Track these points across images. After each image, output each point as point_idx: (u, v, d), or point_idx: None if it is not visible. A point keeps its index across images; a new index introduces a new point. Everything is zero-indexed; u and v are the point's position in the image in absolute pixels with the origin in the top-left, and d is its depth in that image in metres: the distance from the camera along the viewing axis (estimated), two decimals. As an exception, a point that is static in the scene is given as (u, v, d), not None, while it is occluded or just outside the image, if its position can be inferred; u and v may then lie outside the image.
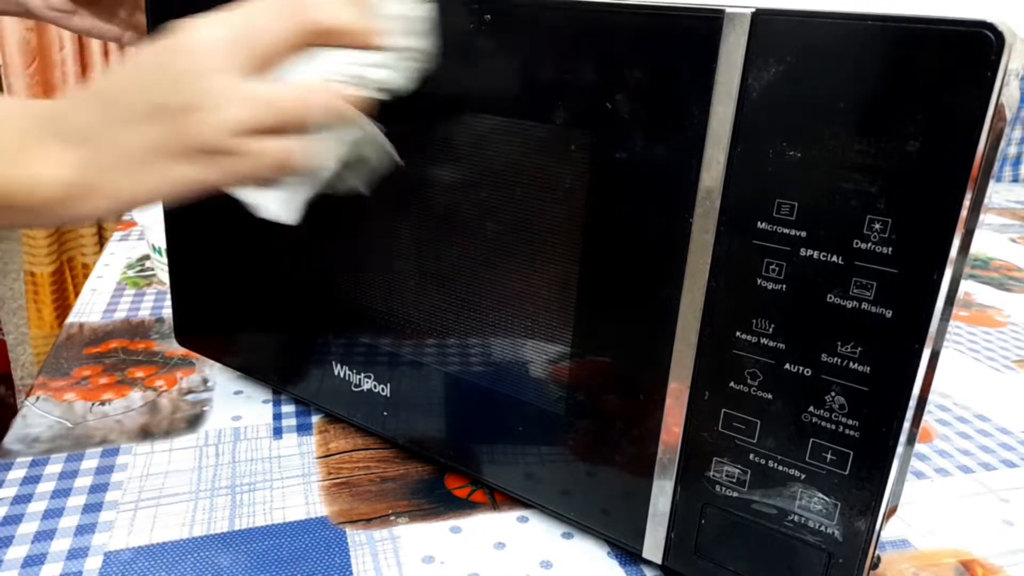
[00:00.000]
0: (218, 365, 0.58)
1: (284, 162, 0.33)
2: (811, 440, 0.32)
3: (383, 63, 0.35)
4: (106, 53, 1.96)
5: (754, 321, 0.32)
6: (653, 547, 0.38)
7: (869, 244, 0.29)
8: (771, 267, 0.31)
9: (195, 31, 0.32)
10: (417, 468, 0.47)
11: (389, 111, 0.41)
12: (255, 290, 0.51)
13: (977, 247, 0.38)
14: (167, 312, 0.68)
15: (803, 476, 0.33)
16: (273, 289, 0.50)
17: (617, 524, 0.39)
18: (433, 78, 0.38)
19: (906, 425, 0.30)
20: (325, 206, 0.47)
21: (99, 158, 0.32)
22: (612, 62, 0.33)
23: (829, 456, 0.32)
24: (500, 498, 0.45)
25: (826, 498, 0.32)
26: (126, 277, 0.76)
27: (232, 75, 0.31)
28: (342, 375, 0.48)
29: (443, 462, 0.46)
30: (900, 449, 0.31)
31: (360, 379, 0.47)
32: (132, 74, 0.33)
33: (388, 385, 0.46)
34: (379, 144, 0.36)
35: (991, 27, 0.25)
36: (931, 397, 0.32)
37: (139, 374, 0.57)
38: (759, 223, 0.31)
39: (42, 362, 0.59)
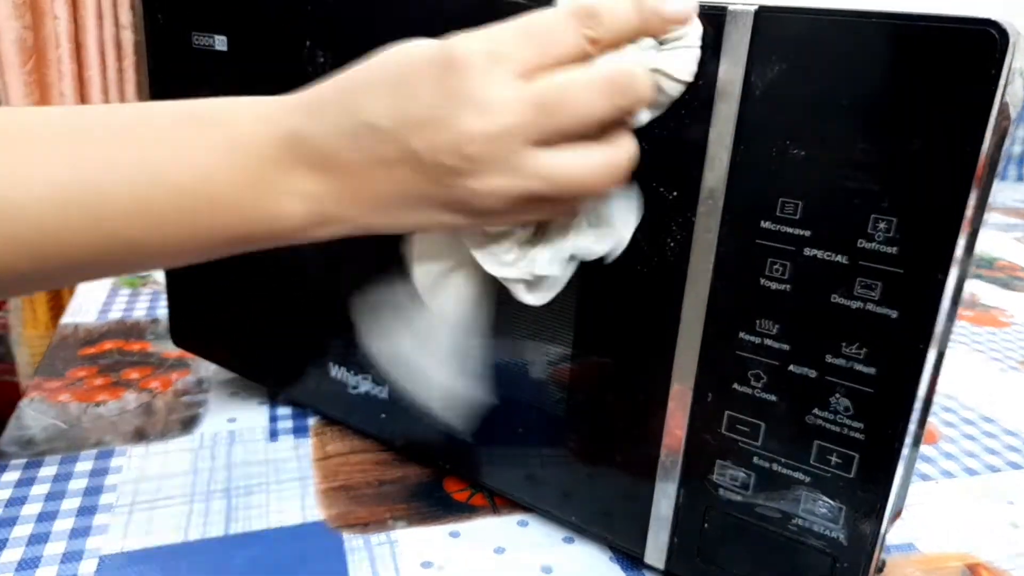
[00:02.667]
0: (214, 366, 0.57)
1: (588, 181, 0.29)
2: (815, 442, 0.32)
3: (671, 54, 0.30)
4: (102, 53, 1.96)
5: (758, 322, 0.32)
6: (655, 551, 0.38)
7: (874, 244, 0.28)
8: (775, 267, 0.31)
9: (487, 77, 0.27)
10: (415, 471, 0.47)
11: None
12: (251, 290, 0.50)
13: (982, 247, 0.38)
14: (162, 312, 0.67)
15: (807, 479, 0.32)
16: (270, 289, 0.50)
17: (619, 528, 0.39)
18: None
19: (911, 427, 0.30)
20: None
21: (348, 193, 0.28)
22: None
23: (834, 459, 0.31)
24: (500, 502, 0.45)
25: (831, 501, 0.32)
26: (121, 277, 0.75)
27: (524, 147, 0.27)
28: (339, 376, 0.48)
29: (442, 465, 0.46)
30: (905, 451, 0.30)
31: (357, 380, 0.47)
32: (391, 104, 0.27)
33: (386, 387, 0.46)
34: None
35: (995, 25, 0.25)
36: (936, 398, 0.32)
37: (134, 375, 0.56)
38: (763, 222, 0.31)
39: (37, 363, 0.58)
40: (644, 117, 0.31)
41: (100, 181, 0.28)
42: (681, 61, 0.30)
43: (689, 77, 0.30)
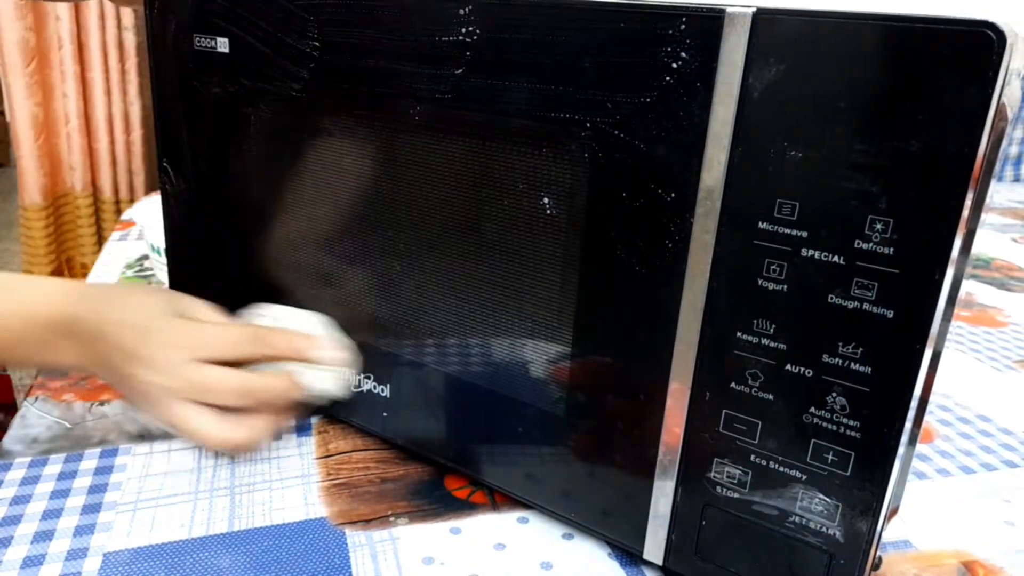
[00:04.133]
0: (217, 365, 0.57)
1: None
2: (812, 441, 0.32)
3: (316, 375, 0.46)
4: (105, 54, 1.96)
5: (755, 321, 0.32)
6: (654, 548, 0.38)
7: (870, 244, 0.29)
8: (772, 267, 0.31)
9: (149, 354, 0.44)
10: (417, 469, 0.47)
11: (392, 113, 0.41)
12: (254, 290, 0.51)
13: (978, 247, 0.38)
14: (166, 312, 0.67)
15: (804, 477, 0.32)
16: (272, 290, 0.50)
17: (618, 525, 0.39)
18: (434, 79, 0.38)
19: (907, 426, 0.30)
20: (325, 206, 0.47)
21: (91, 359, 0.45)
22: (613, 61, 0.33)
23: (830, 457, 0.32)
24: (500, 499, 0.45)
25: (827, 499, 0.32)
26: (125, 277, 0.76)
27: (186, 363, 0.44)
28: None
29: (443, 463, 0.46)
30: (901, 450, 0.31)
31: (359, 380, 0.47)
32: (109, 338, 0.44)
33: (388, 386, 0.46)
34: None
35: (992, 26, 0.25)
36: (932, 397, 0.32)
37: (138, 374, 0.57)
38: (760, 223, 0.31)
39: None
40: (309, 395, 0.46)
41: None
42: (322, 381, 0.46)
43: (327, 392, 0.47)
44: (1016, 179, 1.57)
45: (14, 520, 0.41)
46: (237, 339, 0.46)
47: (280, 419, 0.46)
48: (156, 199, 0.59)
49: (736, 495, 0.34)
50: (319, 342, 0.46)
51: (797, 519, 0.33)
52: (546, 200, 0.36)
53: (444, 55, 0.37)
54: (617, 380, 0.37)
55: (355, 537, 0.41)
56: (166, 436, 0.49)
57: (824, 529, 0.33)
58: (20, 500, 0.43)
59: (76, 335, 0.44)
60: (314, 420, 0.52)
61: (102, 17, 1.93)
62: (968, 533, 0.44)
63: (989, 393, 0.61)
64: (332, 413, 0.51)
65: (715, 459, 0.35)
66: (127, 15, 1.97)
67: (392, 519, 0.43)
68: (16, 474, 0.45)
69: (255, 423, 0.44)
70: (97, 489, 0.44)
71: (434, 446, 0.46)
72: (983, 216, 0.29)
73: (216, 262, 0.52)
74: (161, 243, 0.65)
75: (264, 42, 0.44)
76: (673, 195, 0.33)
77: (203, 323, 0.47)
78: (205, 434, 0.43)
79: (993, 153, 0.28)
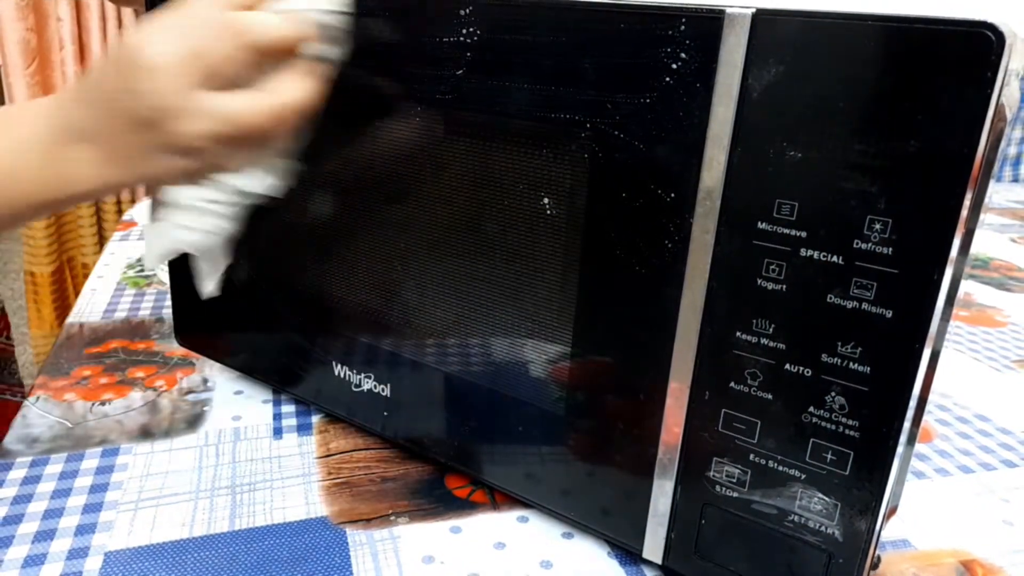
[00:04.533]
0: (218, 365, 0.58)
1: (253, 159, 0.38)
2: (811, 440, 0.32)
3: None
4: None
5: (754, 321, 0.32)
6: (653, 547, 0.38)
7: (869, 244, 0.29)
8: (771, 267, 0.31)
9: (149, 46, 0.34)
10: (417, 468, 0.47)
11: (392, 113, 0.41)
12: (255, 290, 0.51)
13: (977, 247, 0.38)
14: (167, 312, 0.68)
15: (803, 476, 0.33)
16: (273, 289, 0.50)
17: (617, 524, 0.39)
18: (435, 80, 0.38)
19: (906, 425, 0.30)
20: (326, 206, 0.47)
21: (108, 155, 0.36)
22: (613, 62, 0.33)
23: (829, 456, 0.32)
24: (500, 498, 0.45)
25: (826, 498, 0.32)
26: (126, 277, 0.76)
27: (191, 91, 0.34)
28: (342, 375, 0.48)
29: (443, 462, 0.46)
30: (900, 449, 0.31)
31: (360, 379, 0.47)
32: (109, 84, 0.35)
33: (388, 385, 0.46)
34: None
35: (991, 27, 0.25)
36: (931, 397, 0.32)
37: (139, 374, 0.57)
38: (759, 223, 0.31)
39: (42, 362, 0.58)
40: (327, 52, 0.37)
41: None
42: None
43: (339, 5, 0.37)
44: (1015, 179, 1.57)
45: (15, 519, 0.41)
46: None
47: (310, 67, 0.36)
48: (157, 199, 0.59)
49: (735, 494, 0.35)
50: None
51: (796, 518, 0.33)
52: (546, 200, 0.37)
53: (444, 56, 0.37)
54: (617, 380, 0.37)
55: (356, 536, 0.42)
56: (167, 435, 0.49)
57: (823, 528, 0.33)
58: (21, 500, 0.43)
59: (79, 130, 0.36)
60: (314, 420, 0.52)
61: (103, 18, 1.93)
62: (967, 532, 0.45)
63: (988, 393, 0.62)
64: (333, 412, 0.51)
65: (714, 458, 0.35)
66: (128, 15, 1.97)
67: (392, 518, 0.43)
68: (17, 474, 0.45)
69: (287, 80, 0.36)
70: (98, 488, 0.44)
71: (434, 445, 0.46)
72: (982, 216, 0.29)
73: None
74: (162, 243, 0.65)
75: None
76: (673, 195, 0.33)
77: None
78: (258, 115, 0.35)
79: (992, 153, 0.28)
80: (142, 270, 0.78)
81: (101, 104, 0.36)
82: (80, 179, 0.37)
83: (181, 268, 0.55)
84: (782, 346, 0.32)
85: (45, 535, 0.40)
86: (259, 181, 0.39)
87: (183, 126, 0.34)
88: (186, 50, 0.34)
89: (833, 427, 0.31)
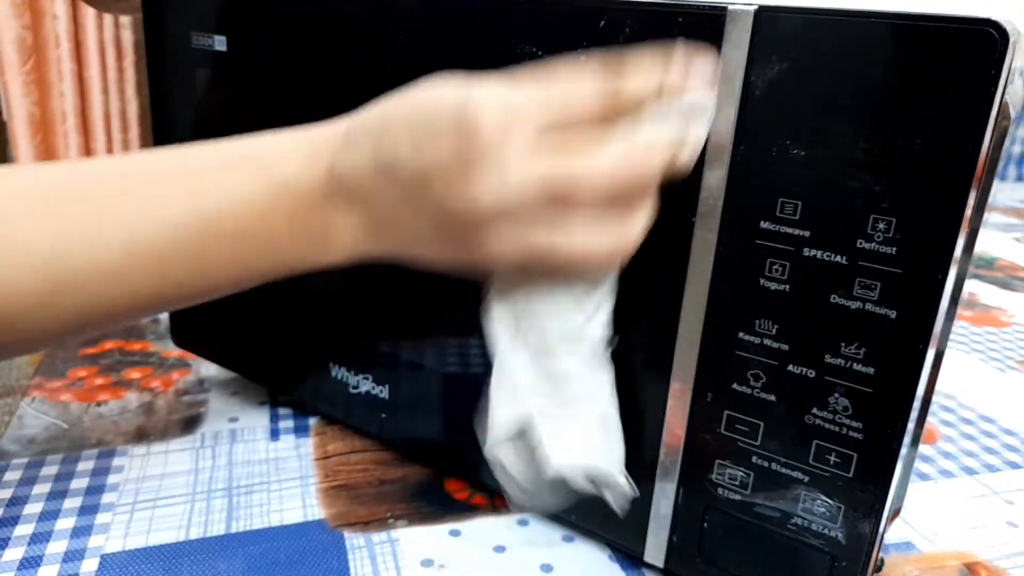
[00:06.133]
0: (214, 366, 0.57)
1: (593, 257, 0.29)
2: (814, 442, 0.32)
3: (688, 121, 0.30)
4: (102, 52, 1.96)
5: (757, 322, 0.32)
6: (655, 550, 0.38)
7: (873, 244, 0.29)
8: (774, 267, 0.31)
9: (492, 112, 0.27)
10: (416, 471, 0.47)
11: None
12: (252, 290, 0.50)
13: (981, 247, 0.38)
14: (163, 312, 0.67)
15: (806, 479, 0.32)
16: (270, 289, 0.50)
17: (618, 527, 0.39)
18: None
19: (910, 426, 0.30)
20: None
21: (377, 226, 0.30)
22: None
23: (832, 458, 0.31)
24: (500, 501, 0.45)
25: (829, 501, 0.32)
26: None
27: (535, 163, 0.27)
28: (339, 377, 0.48)
29: (442, 465, 0.46)
30: (904, 451, 0.30)
31: (358, 381, 0.47)
32: (413, 141, 0.28)
33: (386, 387, 0.46)
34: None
35: (995, 25, 0.25)
36: (935, 398, 0.32)
37: (135, 375, 0.57)
38: (762, 222, 0.31)
39: (38, 363, 0.58)
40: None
41: (155, 234, 0.29)
42: (698, 128, 0.30)
43: (702, 142, 0.30)
44: (1019, 178, 1.57)
45: (11, 521, 0.41)
46: (577, 97, 0.29)
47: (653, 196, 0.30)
48: (154, 199, 0.59)
49: (738, 497, 0.34)
50: (683, 67, 0.29)
51: (799, 521, 0.33)
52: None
53: (444, 52, 0.37)
54: (618, 380, 0.37)
55: (353, 539, 0.41)
56: (163, 437, 0.49)
57: (826, 531, 0.32)
58: (17, 501, 0.43)
59: (350, 189, 0.29)
60: (312, 421, 0.52)
61: (99, 16, 1.93)
62: (971, 534, 0.44)
63: (992, 394, 0.61)
64: (330, 414, 0.51)
65: (717, 460, 0.34)
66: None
67: (391, 521, 0.43)
68: (13, 475, 0.45)
69: (637, 213, 0.30)
70: (94, 490, 0.44)
71: (433, 448, 0.45)
72: (986, 215, 0.29)
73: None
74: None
75: (262, 41, 0.44)
76: (675, 194, 0.32)
77: (520, 91, 0.29)
78: (592, 253, 0.29)
79: (996, 152, 0.27)
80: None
81: (393, 167, 0.29)
82: (340, 249, 0.31)
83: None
84: (785, 347, 0.31)
85: (41, 537, 0.40)
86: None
87: (496, 243, 0.28)
88: (547, 180, 0.27)
89: (836, 429, 0.31)
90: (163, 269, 0.30)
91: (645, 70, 0.29)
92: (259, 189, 0.30)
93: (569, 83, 0.29)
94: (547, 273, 0.29)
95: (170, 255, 0.30)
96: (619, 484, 0.32)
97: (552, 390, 0.30)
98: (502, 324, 0.31)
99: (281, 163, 0.30)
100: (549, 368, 0.30)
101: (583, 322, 0.30)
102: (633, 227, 0.30)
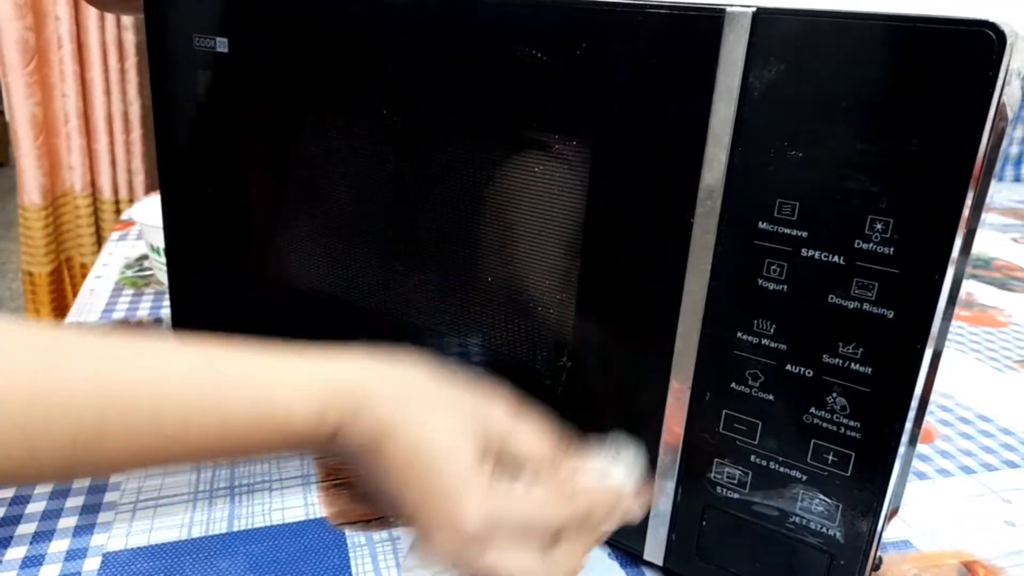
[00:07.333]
0: (217, 366, 0.57)
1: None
2: (812, 441, 0.32)
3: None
4: (104, 54, 1.96)
5: (755, 322, 0.32)
6: (654, 548, 0.38)
7: (871, 244, 0.29)
8: (772, 267, 0.31)
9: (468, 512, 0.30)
10: (417, 469, 0.47)
11: (397, 108, 0.41)
12: (254, 290, 0.51)
13: (979, 247, 0.38)
14: (165, 312, 0.68)
15: (804, 477, 0.32)
16: (272, 289, 0.50)
17: (617, 525, 0.39)
18: (436, 78, 0.38)
19: (908, 426, 0.30)
20: (327, 206, 0.47)
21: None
22: (614, 61, 0.33)
23: (831, 457, 0.32)
24: (500, 499, 0.45)
25: (827, 499, 0.32)
26: (124, 277, 0.76)
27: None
28: (341, 376, 0.48)
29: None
30: (902, 450, 0.31)
31: (359, 380, 0.47)
32: (395, 482, 0.33)
33: (387, 386, 0.46)
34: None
35: (992, 26, 0.25)
36: (933, 398, 0.32)
37: (138, 375, 0.57)
38: (760, 223, 0.31)
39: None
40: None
41: (180, 456, 0.33)
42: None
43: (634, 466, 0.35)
44: (1016, 179, 1.57)
45: (14, 520, 0.41)
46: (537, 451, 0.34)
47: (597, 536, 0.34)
48: (156, 199, 0.59)
49: (736, 495, 0.34)
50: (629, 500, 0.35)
51: (797, 519, 0.33)
52: (546, 200, 0.36)
53: (446, 51, 0.37)
54: (617, 380, 0.37)
55: (355, 537, 0.41)
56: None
57: (824, 530, 0.33)
58: (20, 500, 0.43)
59: (347, 446, 0.34)
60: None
61: (101, 17, 1.93)
62: (968, 533, 0.44)
63: (989, 393, 0.61)
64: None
65: (715, 459, 0.35)
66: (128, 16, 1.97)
67: (392, 519, 0.43)
68: (15, 474, 0.45)
69: (576, 547, 0.33)
70: (96, 489, 0.44)
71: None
72: (983, 216, 0.29)
73: (216, 262, 0.52)
74: (161, 243, 0.65)
75: (263, 42, 0.44)
76: (673, 195, 0.33)
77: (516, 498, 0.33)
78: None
79: (993, 153, 0.28)
80: (141, 270, 0.78)
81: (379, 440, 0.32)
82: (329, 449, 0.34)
83: (181, 268, 0.55)
84: (783, 347, 0.32)
85: (44, 536, 0.40)
86: None
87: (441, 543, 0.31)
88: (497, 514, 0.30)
89: (834, 428, 0.31)
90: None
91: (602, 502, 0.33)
92: (273, 443, 0.34)
93: (530, 437, 0.34)
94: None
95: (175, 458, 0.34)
96: None
97: None
98: None
99: (293, 420, 0.33)
100: None
101: None
102: (573, 558, 0.32)
